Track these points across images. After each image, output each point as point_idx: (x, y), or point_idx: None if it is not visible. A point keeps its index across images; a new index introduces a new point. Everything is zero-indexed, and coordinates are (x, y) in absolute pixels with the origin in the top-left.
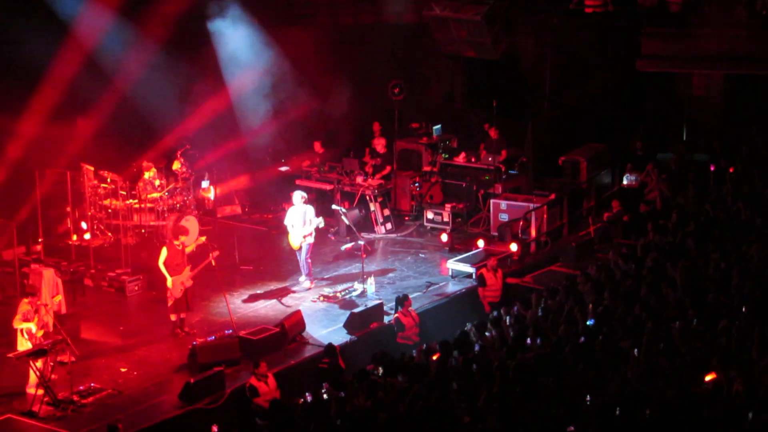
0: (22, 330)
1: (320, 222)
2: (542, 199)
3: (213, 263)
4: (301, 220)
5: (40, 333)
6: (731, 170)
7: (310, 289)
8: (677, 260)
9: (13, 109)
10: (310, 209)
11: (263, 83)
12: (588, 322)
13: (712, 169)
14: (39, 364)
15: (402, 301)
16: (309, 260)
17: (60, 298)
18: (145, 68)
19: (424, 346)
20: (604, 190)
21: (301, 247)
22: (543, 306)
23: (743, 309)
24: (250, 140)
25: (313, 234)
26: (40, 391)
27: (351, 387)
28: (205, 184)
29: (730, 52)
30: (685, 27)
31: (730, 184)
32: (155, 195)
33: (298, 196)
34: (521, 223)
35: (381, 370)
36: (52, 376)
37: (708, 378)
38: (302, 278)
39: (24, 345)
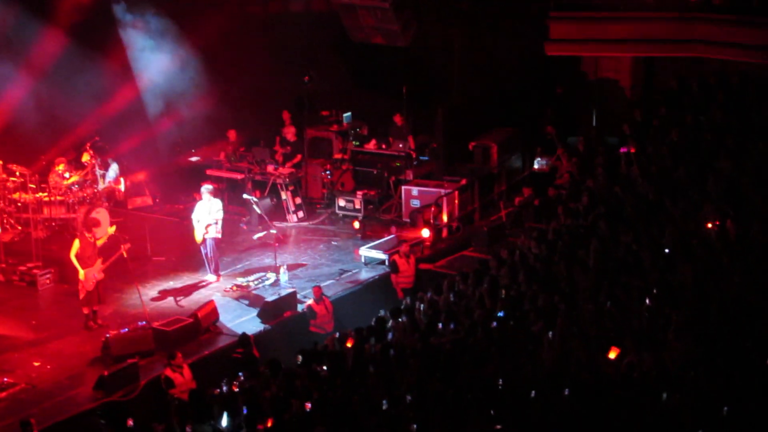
0: None
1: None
2: (453, 185)
3: (125, 255)
4: (205, 214)
5: None
6: (632, 151)
7: (217, 281)
8: (588, 243)
9: None
10: (217, 203)
11: (172, 74)
12: (499, 314)
13: (622, 151)
14: None
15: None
16: (217, 256)
17: None
18: (54, 60)
19: (338, 334)
20: (514, 175)
21: (204, 241)
22: (455, 291)
23: (654, 291)
24: (160, 131)
25: (218, 228)
26: None
27: (264, 376)
28: (112, 174)
29: (638, 35)
30: (593, 10)
31: (638, 166)
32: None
33: (205, 190)
34: (433, 208)
35: (300, 358)
36: None
37: (611, 355)
38: (208, 275)
39: None
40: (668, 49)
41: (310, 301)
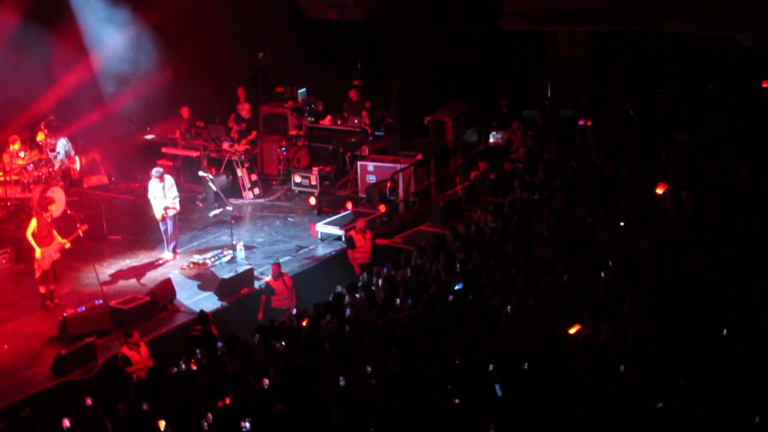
0: None
1: (176, 198)
2: (409, 160)
3: (81, 234)
4: (162, 193)
5: None
6: (588, 124)
7: (174, 259)
8: (544, 216)
9: None
10: (170, 181)
11: (125, 51)
12: (456, 287)
13: (580, 124)
14: None
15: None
16: (177, 235)
17: None
18: (5, 39)
19: (295, 310)
20: (470, 149)
21: (164, 219)
22: (412, 266)
23: (610, 263)
24: (115, 109)
25: (176, 206)
26: None
27: (222, 353)
28: (61, 150)
29: (593, 8)
30: None
31: (593, 138)
32: (24, 161)
33: (156, 173)
34: (389, 184)
35: (258, 336)
36: None
37: (572, 331)
38: (165, 253)
39: None
40: (623, 21)
41: (268, 278)
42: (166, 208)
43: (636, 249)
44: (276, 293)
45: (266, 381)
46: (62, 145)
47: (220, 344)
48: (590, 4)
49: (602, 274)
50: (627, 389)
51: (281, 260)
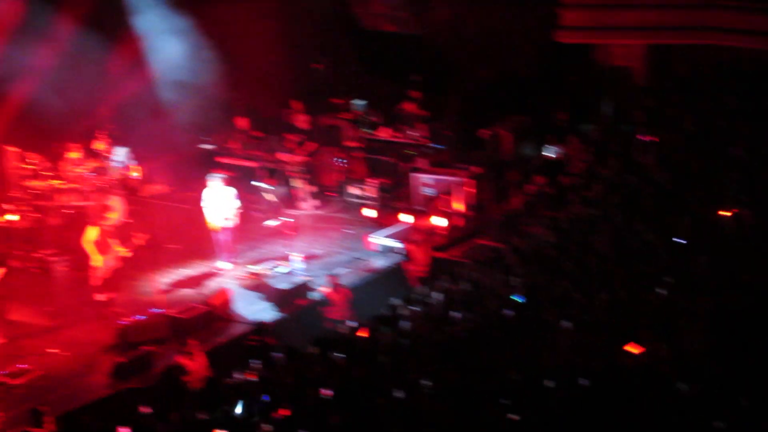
0: None
1: (235, 203)
2: (466, 173)
3: (139, 243)
4: (220, 202)
5: None
6: (651, 139)
7: (232, 270)
8: (602, 232)
9: None
10: (231, 192)
11: (184, 60)
12: (515, 297)
13: (638, 139)
14: None
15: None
16: (233, 243)
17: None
18: (65, 47)
19: (352, 322)
20: (527, 163)
21: (221, 229)
22: (469, 280)
23: (668, 280)
24: (173, 118)
25: (235, 216)
26: None
27: (280, 364)
28: (122, 159)
29: (651, 22)
30: None
31: (653, 154)
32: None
33: (216, 179)
34: (446, 196)
35: (316, 349)
36: None
37: (629, 348)
38: (223, 263)
39: None
40: (681, 36)
41: (325, 289)
42: (224, 218)
43: (695, 266)
44: (332, 305)
45: (323, 392)
46: (121, 153)
47: (277, 355)
48: (648, 17)
49: (661, 291)
50: (685, 408)
51: (338, 272)
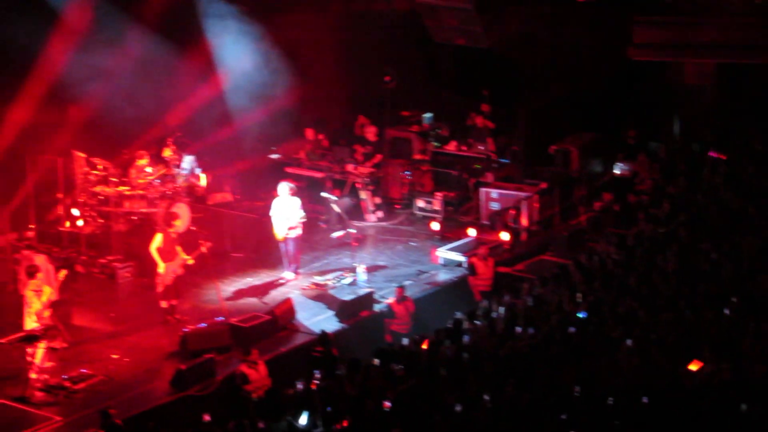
0: (29, 312)
1: (300, 213)
2: (533, 188)
3: (204, 251)
4: (286, 212)
5: (46, 314)
6: (724, 158)
7: (295, 279)
8: (668, 250)
9: (4, 96)
10: (296, 202)
11: (254, 69)
12: (579, 315)
13: (711, 155)
14: (31, 350)
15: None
16: (298, 254)
17: (64, 273)
18: (137, 55)
19: (414, 335)
20: (595, 179)
21: (285, 239)
22: (533, 295)
23: (734, 299)
24: (241, 127)
25: (299, 226)
26: (33, 376)
27: (342, 375)
28: (188, 167)
29: (723, 40)
30: (678, 15)
31: (722, 173)
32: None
33: (284, 187)
34: (512, 211)
35: (377, 361)
36: (48, 363)
37: (693, 367)
38: (287, 272)
39: (31, 327)
40: (753, 55)
41: (390, 300)
42: (288, 228)
43: (760, 286)
44: (397, 317)
45: (386, 404)
46: (188, 161)
47: (338, 366)
48: (720, 36)
49: (725, 311)
50: (748, 428)
51: (405, 284)
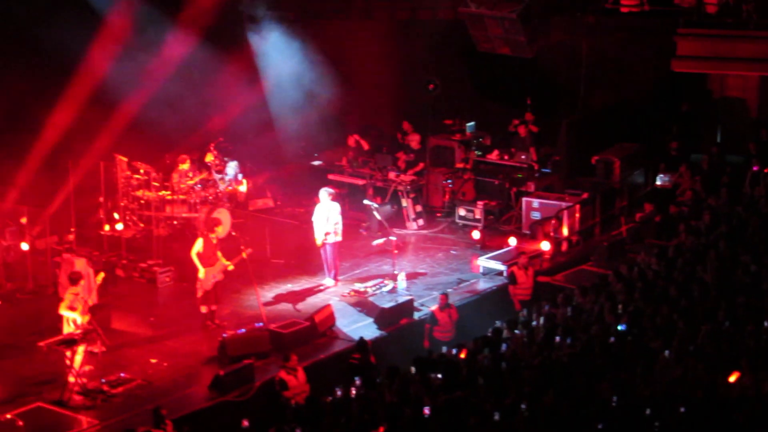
0: (67, 319)
1: (339, 225)
2: (575, 198)
3: (244, 257)
4: (324, 218)
5: (85, 319)
6: (766, 171)
7: (335, 286)
8: (708, 262)
9: (47, 99)
10: (335, 207)
11: (298, 77)
12: (619, 327)
13: (755, 169)
14: (70, 353)
15: None
16: (337, 261)
17: (102, 276)
18: (180, 60)
19: (455, 343)
20: (637, 190)
21: (324, 245)
22: (573, 305)
23: None
24: (284, 133)
25: (337, 233)
26: (72, 380)
27: (381, 383)
28: (230, 172)
29: (766, 53)
30: (721, 28)
31: (764, 186)
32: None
33: (324, 193)
34: (553, 221)
35: (414, 369)
36: (86, 366)
37: (731, 379)
38: (327, 279)
39: (70, 330)
40: None
41: (434, 307)
42: (326, 234)
43: None
44: (439, 324)
45: (426, 411)
46: (231, 167)
47: (377, 373)
48: (763, 48)
49: (765, 323)
50: None
51: (447, 291)
